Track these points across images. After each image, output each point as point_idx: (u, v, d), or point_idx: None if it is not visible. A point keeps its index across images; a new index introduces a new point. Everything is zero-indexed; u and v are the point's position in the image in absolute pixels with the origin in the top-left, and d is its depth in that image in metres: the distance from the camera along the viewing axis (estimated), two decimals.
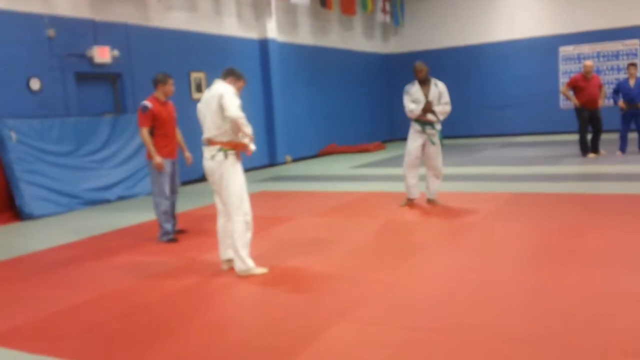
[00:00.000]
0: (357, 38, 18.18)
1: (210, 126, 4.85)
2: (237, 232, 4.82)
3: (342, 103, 16.98)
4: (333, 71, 16.67)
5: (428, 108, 7.11)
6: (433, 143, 7.23)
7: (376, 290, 4.33)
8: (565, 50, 17.29)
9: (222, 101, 4.70)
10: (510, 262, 4.89)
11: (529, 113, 17.79)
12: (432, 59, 18.79)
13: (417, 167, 7.40)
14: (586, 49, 17.02)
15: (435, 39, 19.04)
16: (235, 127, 4.76)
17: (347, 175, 11.37)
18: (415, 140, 7.30)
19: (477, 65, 18.46)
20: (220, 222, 5.08)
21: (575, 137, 12.26)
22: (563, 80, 17.11)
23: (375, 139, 18.13)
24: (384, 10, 18.06)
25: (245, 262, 4.84)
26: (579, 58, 17.03)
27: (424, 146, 7.29)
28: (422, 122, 7.22)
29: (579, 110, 11.27)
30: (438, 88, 7.19)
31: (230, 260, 5.05)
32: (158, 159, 6.21)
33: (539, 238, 5.69)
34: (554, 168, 10.32)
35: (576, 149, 11.93)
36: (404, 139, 7.85)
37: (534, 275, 4.47)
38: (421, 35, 19.30)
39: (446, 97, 7.21)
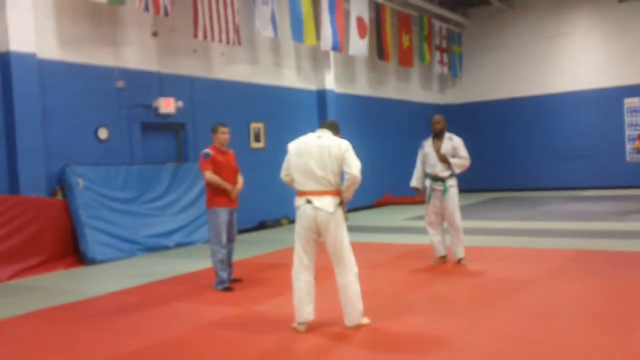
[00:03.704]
0: (413, 89, 18.24)
1: (319, 176, 4.64)
2: (353, 284, 4.69)
3: (398, 153, 16.85)
4: (389, 122, 16.70)
5: (419, 199, 7.37)
6: (444, 195, 7.04)
7: (433, 349, 4.16)
8: (631, 102, 16.78)
9: (346, 155, 4.61)
10: (574, 325, 4.63)
11: (594, 166, 17.22)
12: (491, 109, 18.75)
13: (438, 223, 7.22)
14: None
15: (494, 89, 18.89)
16: (351, 186, 4.62)
17: (402, 227, 11.21)
18: (431, 196, 7.16)
19: (538, 117, 18.11)
20: (305, 278, 4.72)
21: None
22: (629, 132, 16.57)
23: None
24: (441, 62, 18.12)
25: (361, 315, 4.73)
26: None
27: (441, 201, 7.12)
28: (432, 177, 7.12)
29: None
30: (453, 142, 7.07)
31: (308, 322, 4.75)
32: (231, 187, 6.36)
33: (605, 299, 5.38)
34: (621, 224, 9.88)
35: None
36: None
37: (599, 339, 4.21)
38: (479, 86, 19.20)
39: (463, 152, 7.06)
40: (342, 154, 4.62)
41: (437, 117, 7.24)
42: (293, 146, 4.83)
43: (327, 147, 4.65)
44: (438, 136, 7.15)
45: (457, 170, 7.07)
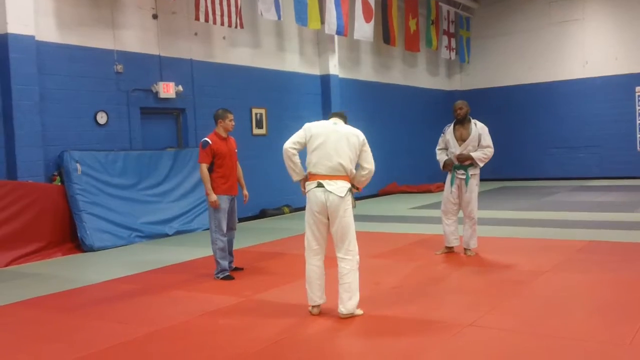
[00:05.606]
0: (420, 75, 17.98)
1: (335, 161, 4.62)
2: (354, 272, 4.68)
3: (403, 141, 16.67)
4: (395, 108, 16.46)
5: (448, 165, 6.88)
6: (466, 184, 6.81)
7: (439, 340, 4.07)
8: None
9: (364, 148, 4.73)
10: (582, 317, 4.54)
11: (604, 155, 16.97)
12: (499, 96, 18.48)
13: (454, 213, 6.96)
14: None
15: (502, 76, 18.60)
16: (367, 180, 4.75)
17: (406, 217, 11.05)
18: (450, 184, 6.92)
19: (547, 104, 17.82)
20: (315, 263, 4.75)
21: None
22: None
23: (438, 179, 17.62)
24: (449, 47, 17.84)
25: (356, 305, 4.68)
26: None
27: (461, 190, 6.88)
28: (455, 164, 6.86)
29: None
30: (477, 128, 6.78)
31: (320, 305, 4.78)
32: (213, 197, 6.17)
33: (614, 291, 5.26)
34: (631, 215, 9.71)
35: None
36: None
37: (608, 332, 4.12)
38: (487, 72, 18.90)
39: (486, 140, 6.77)
40: (361, 146, 4.70)
41: (460, 102, 6.87)
42: (312, 126, 4.80)
43: (345, 135, 4.69)
44: (461, 122, 6.87)
45: (481, 164, 6.81)
